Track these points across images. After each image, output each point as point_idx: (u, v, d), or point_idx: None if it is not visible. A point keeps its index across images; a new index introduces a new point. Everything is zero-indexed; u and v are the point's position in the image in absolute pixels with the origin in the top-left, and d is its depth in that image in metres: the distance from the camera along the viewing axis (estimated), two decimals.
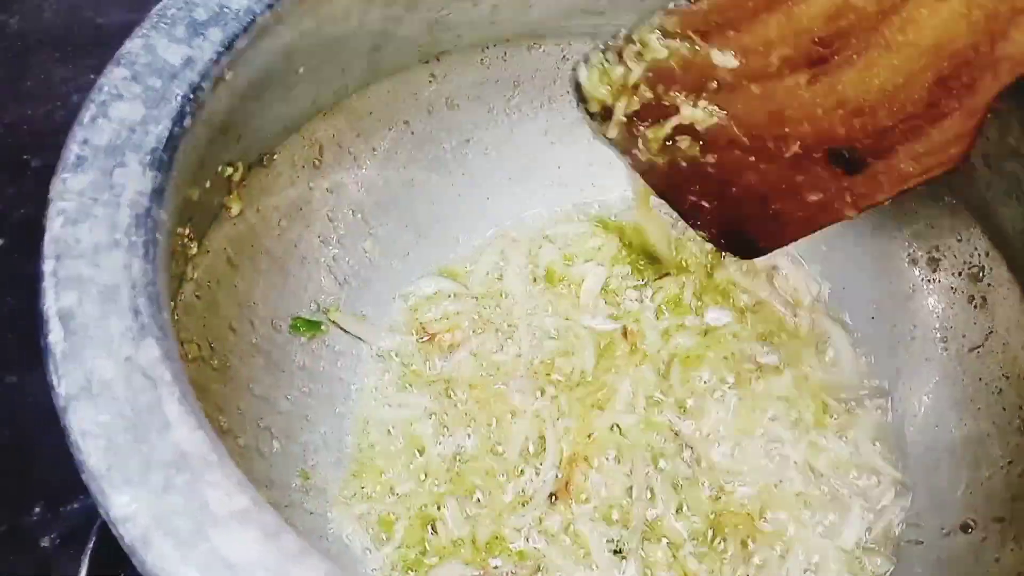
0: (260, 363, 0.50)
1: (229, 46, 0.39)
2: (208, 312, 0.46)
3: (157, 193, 0.34)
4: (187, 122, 0.36)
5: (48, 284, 0.31)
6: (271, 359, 0.50)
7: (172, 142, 0.35)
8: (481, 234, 0.60)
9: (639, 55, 0.48)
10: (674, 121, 0.49)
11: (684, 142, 0.49)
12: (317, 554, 0.27)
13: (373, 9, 0.47)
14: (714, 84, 0.47)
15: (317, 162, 0.53)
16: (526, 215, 0.61)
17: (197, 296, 0.45)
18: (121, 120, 0.35)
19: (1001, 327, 0.51)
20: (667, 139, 0.49)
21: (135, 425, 0.28)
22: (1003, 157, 0.47)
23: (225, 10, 0.39)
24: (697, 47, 0.46)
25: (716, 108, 0.47)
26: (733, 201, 0.50)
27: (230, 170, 0.45)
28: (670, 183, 0.52)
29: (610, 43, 0.49)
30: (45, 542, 0.53)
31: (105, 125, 0.35)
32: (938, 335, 0.53)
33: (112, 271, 0.31)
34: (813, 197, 0.47)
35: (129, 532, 0.26)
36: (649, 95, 0.49)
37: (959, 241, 0.52)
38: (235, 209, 0.47)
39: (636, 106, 0.49)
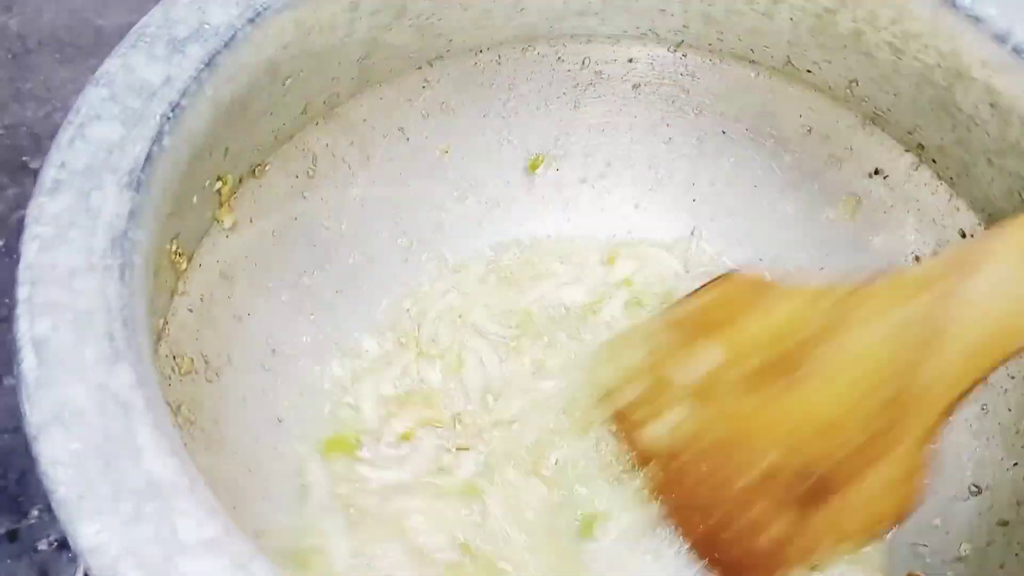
0: (256, 375, 0.50)
1: (210, 62, 0.39)
2: (202, 325, 0.46)
3: (134, 215, 0.34)
4: (166, 141, 0.36)
5: (23, 310, 0.31)
6: (266, 370, 0.50)
7: (151, 162, 0.35)
8: (482, 241, 0.60)
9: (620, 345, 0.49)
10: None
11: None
12: None
13: (360, 18, 0.46)
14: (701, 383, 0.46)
15: (311, 171, 0.52)
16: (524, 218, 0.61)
17: (190, 310, 0.45)
18: (99, 141, 0.35)
19: None
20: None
21: (106, 453, 0.28)
22: (1004, 154, 0.46)
23: (205, 26, 0.39)
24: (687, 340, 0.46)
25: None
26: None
27: (219, 184, 0.45)
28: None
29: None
30: (43, 545, 0.53)
31: (82, 147, 0.35)
32: None
33: (87, 296, 0.31)
34: (764, 538, 0.44)
35: (97, 562, 0.26)
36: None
37: (963, 239, 0.51)
38: (227, 222, 0.47)
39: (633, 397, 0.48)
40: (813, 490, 0.43)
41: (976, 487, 0.48)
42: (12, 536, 0.53)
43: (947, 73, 0.45)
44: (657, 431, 0.47)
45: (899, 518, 0.43)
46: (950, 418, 0.40)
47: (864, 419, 0.42)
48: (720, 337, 0.46)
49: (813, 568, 0.45)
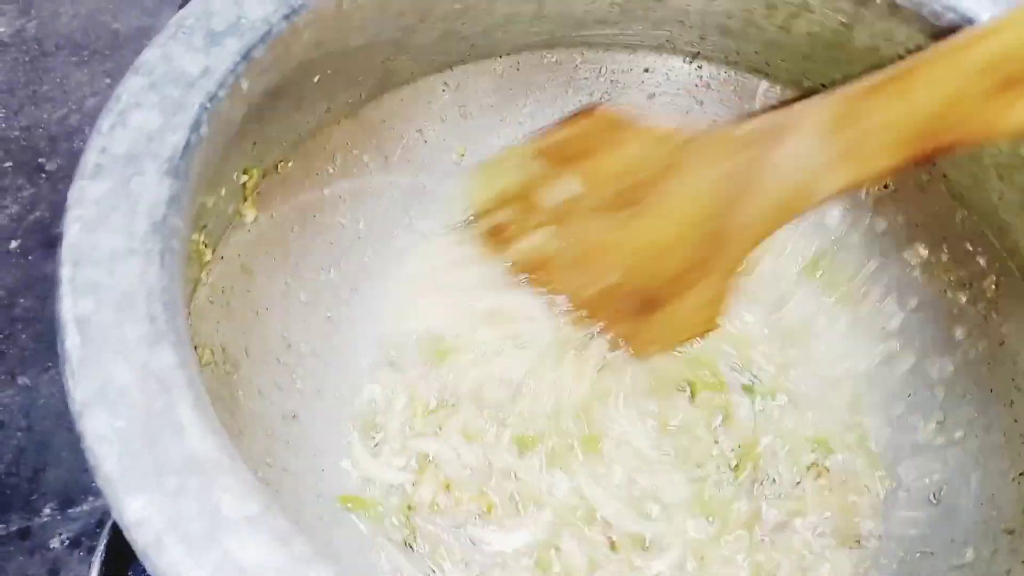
0: (272, 369, 0.50)
1: (246, 55, 0.39)
2: (222, 317, 0.47)
3: (174, 201, 0.34)
4: (204, 130, 0.37)
5: (65, 290, 0.31)
6: (282, 364, 0.51)
7: (189, 150, 0.36)
8: None
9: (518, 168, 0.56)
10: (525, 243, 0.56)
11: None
12: (328, 559, 0.27)
13: (387, 20, 0.47)
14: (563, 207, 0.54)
15: (331, 169, 0.53)
16: None
17: (211, 301, 0.46)
18: (139, 128, 0.35)
19: (1013, 338, 0.51)
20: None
21: (149, 430, 0.29)
22: (1016, 168, 0.47)
23: (242, 20, 0.40)
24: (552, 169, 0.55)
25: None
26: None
27: (245, 177, 0.46)
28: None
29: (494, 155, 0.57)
30: (55, 543, 0.54)
31: (123, 134, 0.35)
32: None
33: (128, 278, 0.32)
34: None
35: (142, 536, 0.27)
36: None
37: (970, 252, 0.52)
38: (249, 216, 0.48)
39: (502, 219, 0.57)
40: (645, 302, 0.53)
41: (982, 496, 0.49)
42: (24, 534, 0.53)
43: None
44: (522, 247, 0.56)
45: (707, 330, 0.53)
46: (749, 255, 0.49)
47: (688, 249, 0.51)
48: (580, 168, 0.54)
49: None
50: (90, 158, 0.34)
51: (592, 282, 0.54)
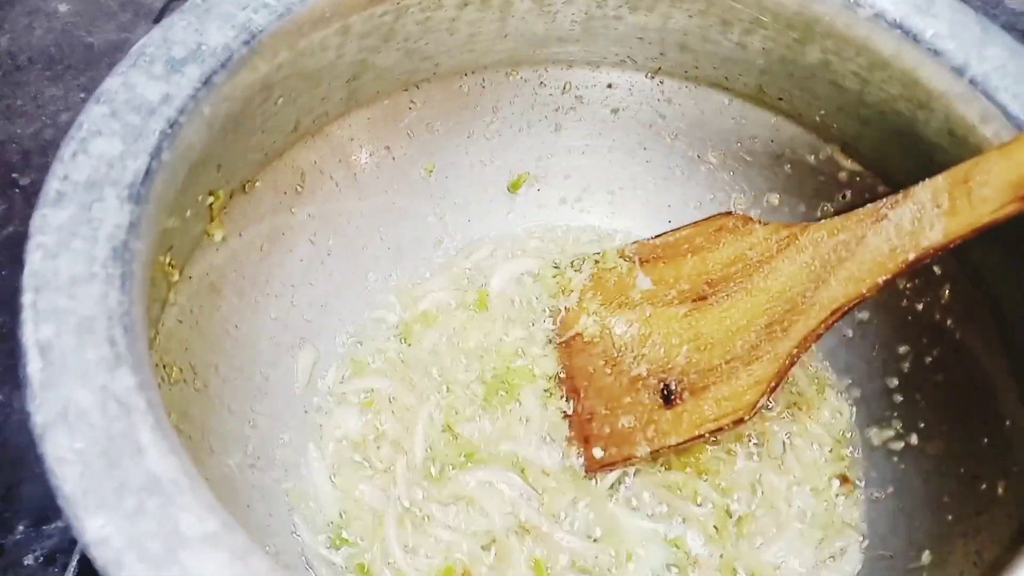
0: (241, 385, 0.51)
1: (207, 81, 0.40)
2: (191, 336, 0.47)
3: (134, 226, 0.35)
4: (165, 156, 0.38)
5: (27, 316, 0.32)
6: (253, 382, 0.51)
7: (150, 176, 0.37)
8: (462, 256, 0.62)
9: (596, 263, 0.58)
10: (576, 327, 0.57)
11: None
12: (286, 573, 0.28)
13: (350, 41, 0.48)
14: (626, 300, 0.56)
15: (299, 188, 0.54)
16: (506, 237, 0.62)
17: (180, 321, 0.46)
18: (100, 156, 0.36)
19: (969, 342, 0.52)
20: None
21: (109, 451, 0.29)
22: None
23: (203, 47, 0.41)
24: (633, 268, 0.57)
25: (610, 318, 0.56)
26: (587, 407, 0.55)
27: (211, 199, 0.47)
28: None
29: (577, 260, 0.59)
30: (29, 560, 0.54)
31: (84, 161, 0.36)
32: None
33: (89, 302, 0.33)
34: (625, 422, 0.53)
35: (102, 555, 0.27)
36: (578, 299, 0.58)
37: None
38: (217, 236, 0.48)
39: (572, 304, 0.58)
40: (673, 393, 0.52)
41: (938, 501, 0.50)
42: None
43: (909, 103, 0.48)
44: (582, 323, 0.57)
45: (735, 422, 0.51)
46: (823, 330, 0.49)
47: (738, 343, 0.51)
48: (656, 267, 0.56)
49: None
50: (52, 185, 0.35)
51: (624, 368, 0.54)
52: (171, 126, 0.38)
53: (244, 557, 0.28)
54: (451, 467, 0.53)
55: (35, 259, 0.33)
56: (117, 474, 0.29)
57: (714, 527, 0.52)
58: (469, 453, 0.53)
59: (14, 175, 0.69)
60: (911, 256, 0.45)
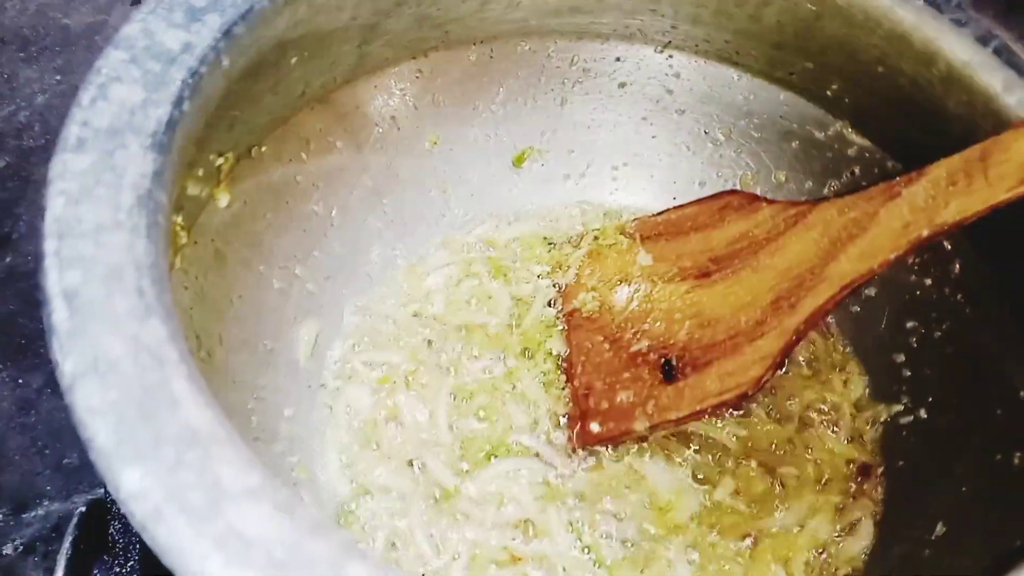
0: (245, 357, 0.49)
1: (227, 32, 0.39)
2: (196, 303, 0.46)
3: (158, 175, 0.34)
4: (186, 106, 0.36)
5: (51, 263, 0.30)
6: (257, 354, 0.50)
7: (172, 125, 0.35)
8: (465, 230, 0.61)
9: (595, 239, 0.58)
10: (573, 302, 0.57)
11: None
12: (332, 527, 0.27)
13: (365, 2, 0.47)
14: (625, 276, 0.56)
15: (304, 155, 0.53)
16: (508, 211, 0.61)
17: (185, 287, 0.45)
18: (121, 102, 0.35)
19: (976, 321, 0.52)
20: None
21: (143, 403, 0.28)
22: None
23: None
24: (633, 245, 0.57)
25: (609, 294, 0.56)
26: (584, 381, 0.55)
27: (220, 160, 0.45)
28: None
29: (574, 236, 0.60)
30: (8, 549, 0.51)
31: (105, 107, 0.34)
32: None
33: (115, 251, 0.31)
34: (624, 397, 0.52)
35: (140, 508, 0.26)
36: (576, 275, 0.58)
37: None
38: (223, 200, 0.47)
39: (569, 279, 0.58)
40: (674, 368, 0.52)
41: (951, 474, 0.50)
42: None
43: (927, 75, 0.48)
44: (580, 299, 0.57)
45: (739, 397, 0.50)
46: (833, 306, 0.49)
47: (743, 319, 0.51)
48: (657, 243, 0.56)
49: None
50: (72, 131, 0.33)
51: (627, 342, 0.54)
52: (192, 76, 0.37)
53: (290, 511, 0.27)
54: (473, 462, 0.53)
55: (57, 204, 0.31)
56: (153, 426, 0.28)
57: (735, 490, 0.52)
58: (493, 448, 0.53)
59: None
60: (924, 232, 0.45)
